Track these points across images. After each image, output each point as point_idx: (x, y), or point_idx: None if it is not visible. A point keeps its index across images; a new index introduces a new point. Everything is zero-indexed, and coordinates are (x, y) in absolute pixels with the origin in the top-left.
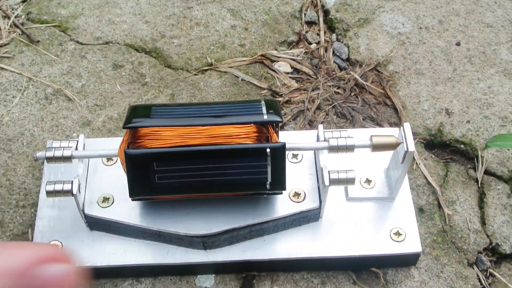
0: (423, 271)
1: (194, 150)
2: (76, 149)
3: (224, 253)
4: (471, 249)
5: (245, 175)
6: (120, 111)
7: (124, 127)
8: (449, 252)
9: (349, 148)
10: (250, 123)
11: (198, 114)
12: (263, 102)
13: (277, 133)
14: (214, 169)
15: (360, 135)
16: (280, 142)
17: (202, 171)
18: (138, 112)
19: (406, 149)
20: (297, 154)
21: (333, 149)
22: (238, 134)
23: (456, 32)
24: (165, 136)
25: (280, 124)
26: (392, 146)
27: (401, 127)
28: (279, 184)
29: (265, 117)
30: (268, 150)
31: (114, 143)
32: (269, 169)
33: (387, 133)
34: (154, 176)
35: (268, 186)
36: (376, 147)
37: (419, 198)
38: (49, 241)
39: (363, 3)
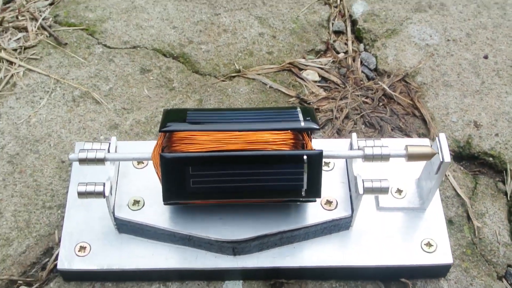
0: (453, 283)
1: (230, 156)
2: (108, 151)
3: (254, 260)
4: (501, 262)
5: (281, 181)
6: (147, 115)
7: (160, 131)
8: (479, 264)
9: (384, 158)
10: (287, 129)
11: (234, 119)
12: (299, 109)
13: (311, 141)
14: (249, 175)
15: (392, 145)
16: (317, 149)
17: (238, 177)
18: (173, 116)
19: (441, 160)
20: (329, 162)
21: (368, 158)
22: (275, 140)
23: (484, 45)
24: (201, 141)
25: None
26: (427, 156)
27: (437, 138)
28: (314, 191)
29: (302, 124)
30: (305, 157)
31: (146, 147)
32: (305, 177)
33: (418, 143)
34: (189, 181)
35: (303, 193)
36: (411, 157)
37: (449, 210)
38: (77, 243)
39: (391, 14)
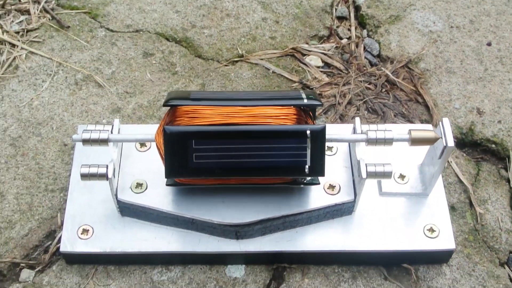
0: (455, 269)
1: (234, 130)
2: (112, 133)
3: (256, 244)
4: (503, 248)
5: (284, 157)
6: (150, 99)
7: (164, 105)
8: (481, 251)
9: (387, 141)
10: (290, 105)
11: (238, 96)
12: (301, 91)
13: (314, 120)
14: (252, 150)
15: (395, 129)
16: (320, 124)
17: (241, 152)
18: (177, 93)
19: (445, 144)
20: (332, 147)
21: (372, 141)
22: (278, 115)
23: (487, 32)
24: (205, 114)
25: (319, 110)
26: (431, 141)
27: (440, 122)
28: (318, 169)
29: (305, 100)
30: (308, 132)
31: (148, 129)
32: (308, 152)
33: (421, 128)
34: (192, 156)
35: (306, 170)
36: (415, 141)
37: (451, 196)
38: (80, 226)
39: (394, 0)
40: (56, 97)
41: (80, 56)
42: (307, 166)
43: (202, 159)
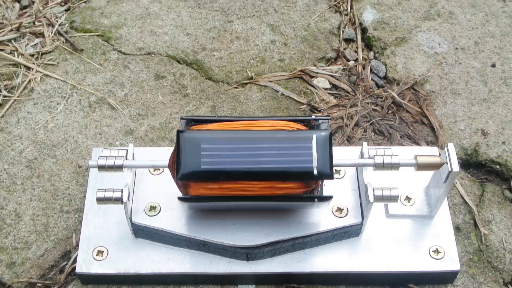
0: None
1: (244, 134)
2: (126, 158)
3: (266, 265)
4: (507, 268)
5: (292, 162)
6: (162, 121)
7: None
8: (485, 271)
9: (394, 166)
10: (298, 121)
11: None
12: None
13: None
14: (260, 155)
15: (401, 153)
16: (326, 130)
17: (250, 156)
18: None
19: (450, 169)
20: (340, 170)
21: (379, 166)
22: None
23: (492, 53)
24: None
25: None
26: (436, 166)
27: (446, 148)
28: (326, 172)
29: (315, 172)
30: (314, 136)
31: (161, 154)
32: (315, 156)
33: (426, 152)
34: (202, 159)
35: (315, 173)
36: (421, 167)
37: (456, 217)
38: (95, 247)
39: (400, 22)
40: (70, 120)
41: (94, 78)
42: (315, 169)
43: (212, 161)
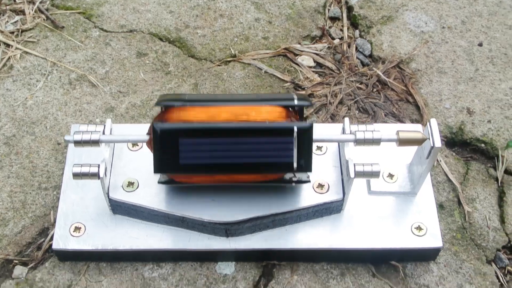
0: (442, 266)
1: (222, 127)
2: (103, 133)
3: (246, 241)
4: (490, 246)
5: (272, 154)
6: (143, 99)
7: (156, 105)
8: (468, 248)
9: (375, 142)
10: (279, 105)
11: (228, 98)
12: (293, 93)
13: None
14: (240, 147)
15: (384, 130)
16: (307, 122)
17: (229, 149)
18: (169, 96)
19: (432, 145)
20: (322, 146)
21: (360, 142)
22: (267, 115)
23: (479, 32)
24: (194, 114)
25: (310, 110)
26: (418, 142)
27: (428, 123)
28: (306, 165)
29: (296, 101)
30: (295, 128)
31: (140, 129)
32: (295, 149)
33: (410, 129)
34: (181, 152)
35: (295, 167)
36: (403, 142)
37: (440, 195)
38: (72, 223)
39: (387, 1)
40: (50, 97)
41: (74, 56)
42: (295, 163)
43: (190, 155)
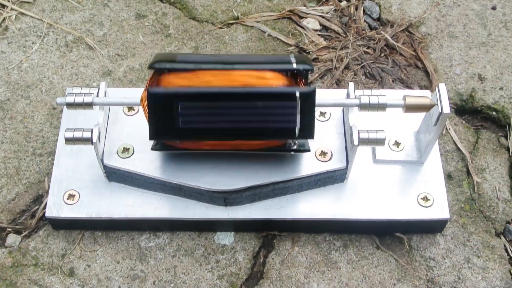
0: (449, 239)
1: (221, 92)
2: (97, 96)
3: (245, 211)
4: (499, 218)
5: (273, 120)
6: (142, 62)
7: (149, 67)
8: (477, 220)
9: (380, 107)
10: (278, 70)
11: (227, 60)
12: (292, 55)
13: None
14: (240, 113)
15: (391, 95)
16: (310, 87)
17: (228, 115)
18: (164, 56)
19: (440, 111)
20: (325, 112)
21: (364, 107)
22: (267, 78)
23: None
24: (190, 77)
25: (315, 75)
26: (426, 108)
27: (436, 88)
28: (307, 132)
29: (294, 65)
30: (297, 93)
31: (136, 93)
32: (298, 115)
33: (418, 94)
34: (177, 117)
35: (296, 133)
36: (409, 108)
37: (448, 164)
38: (66, 191)
39: None
40: (46, 60)
41: (71, 17)
42: (296, 129)
43: (187, 120)
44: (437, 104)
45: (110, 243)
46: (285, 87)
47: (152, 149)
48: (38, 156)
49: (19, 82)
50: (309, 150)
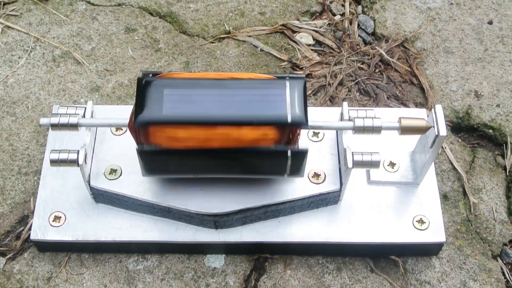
0: (445, 262)
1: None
2: (84, 116)
3: (236, 234)
4: (496, 240)
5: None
6: (131, 78)
7: (134, 125)
8: (473, 242)
9: (375, 130)
10: (270, 124)
11: (215, 107)
12: (287, 89)
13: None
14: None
15: (386, 115)
16: (301, 147)
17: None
18: (148, 97)
19: (437, 133)
20: (318, 133)
21: (359, 130)
22: (257, 139)
23: (489, 10)
24: (181, 138)
25: (308, 91)
26: (422, 130)
27: (433, 110)
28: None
29: (289, 119)
30: (289, 153)
31: (125, 112)
32: (288, 167)
33: (414, 114)
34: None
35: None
36: (405, 130)
37: (444, 184)
38: (52, 212)
39: None
40: (32, 75)
41: (59, 31)
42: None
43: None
44: (433, 126)
45: (97, 266)
46: (275, 148)
47: (138, 150)
48: (24, 175)
49: (5, 98)
50: (307, 151)
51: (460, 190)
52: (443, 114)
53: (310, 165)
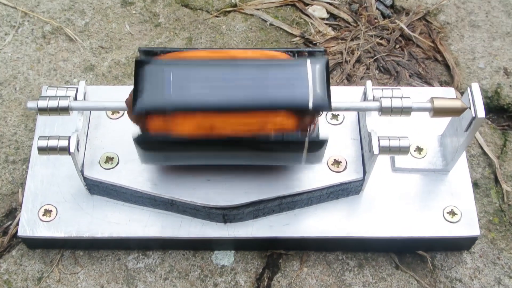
0: (477, 257)
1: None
2: (75, 99)
3: (248, 228)
4: None
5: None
6: (128, 55)
7: (134, 113)
8: (507, 235)
9: (405, 111)
10: (289, 110)
11: (225, 93)
12: (309, 69)
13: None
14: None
15: (412, 95)
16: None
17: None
18: (150, 82)
19: (474, 115)
20: (338, 115)
21: (386, 111)
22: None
23: None
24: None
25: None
26: (457, 112)
27: (468, 89)
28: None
29: (310, 105)
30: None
31: (122, 93)
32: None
33: (441, 94)
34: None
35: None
36: (438, 112)
37: (474, 171)
38: (42, 206)
39: None
40: (20, 53)
41: (49, 5)
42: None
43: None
44: (470, 108)
45: (93, 264)
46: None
47: (134, 139)
48: (11, 164)
49: None
50: (326, 141)
51: (492, 177)
52: (481, 93)
53: (330, 151)
